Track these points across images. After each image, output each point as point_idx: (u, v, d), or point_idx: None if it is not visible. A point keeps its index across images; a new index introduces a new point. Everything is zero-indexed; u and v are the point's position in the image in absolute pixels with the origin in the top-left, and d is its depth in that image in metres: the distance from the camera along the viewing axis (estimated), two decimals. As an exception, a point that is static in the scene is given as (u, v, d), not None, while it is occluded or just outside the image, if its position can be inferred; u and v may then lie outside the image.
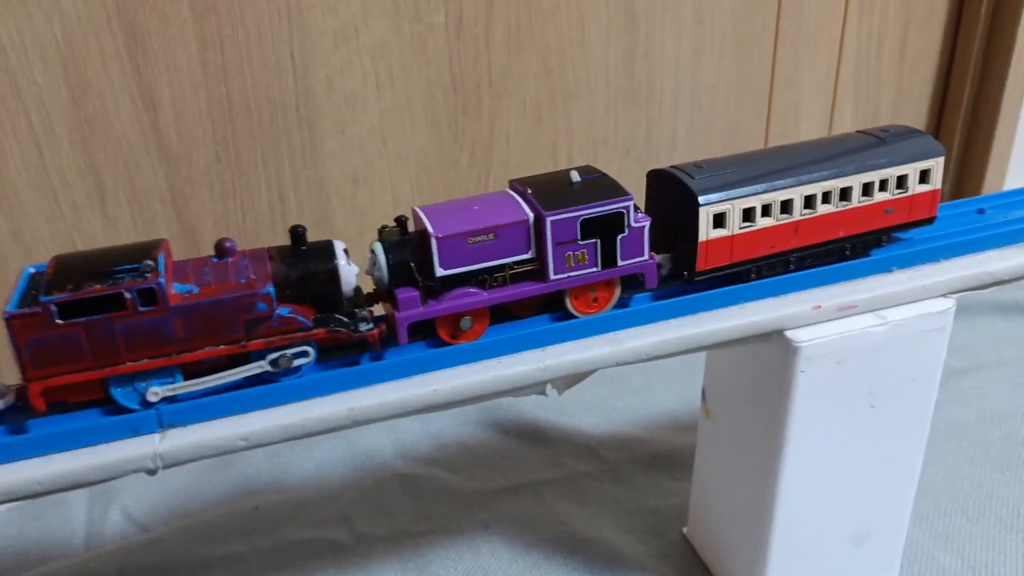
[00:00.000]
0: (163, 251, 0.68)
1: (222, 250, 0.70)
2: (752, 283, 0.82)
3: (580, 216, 0.73)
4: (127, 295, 0.64)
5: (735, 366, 0.91)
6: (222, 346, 0.68)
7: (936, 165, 0.85)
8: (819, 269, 0.83)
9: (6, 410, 0.68)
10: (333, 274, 0.70)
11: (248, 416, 0.71)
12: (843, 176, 0.81)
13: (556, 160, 1.44)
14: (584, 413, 1.30)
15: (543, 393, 0.78)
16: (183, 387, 0.68)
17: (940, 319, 0.84)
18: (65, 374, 0.65)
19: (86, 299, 0.63)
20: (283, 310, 0.68)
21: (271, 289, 0.67)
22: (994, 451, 1.19)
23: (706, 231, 0.78)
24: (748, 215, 0.79)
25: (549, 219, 0.72)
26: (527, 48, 1.35)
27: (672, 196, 0.80)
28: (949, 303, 0.85)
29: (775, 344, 0.82)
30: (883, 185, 0.83)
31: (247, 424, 0.70)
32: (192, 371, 0.69)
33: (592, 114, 1.44)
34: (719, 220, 0.78)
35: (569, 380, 0.79)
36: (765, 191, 0.79)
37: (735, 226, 0.79)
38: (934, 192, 0.86)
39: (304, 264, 0.70)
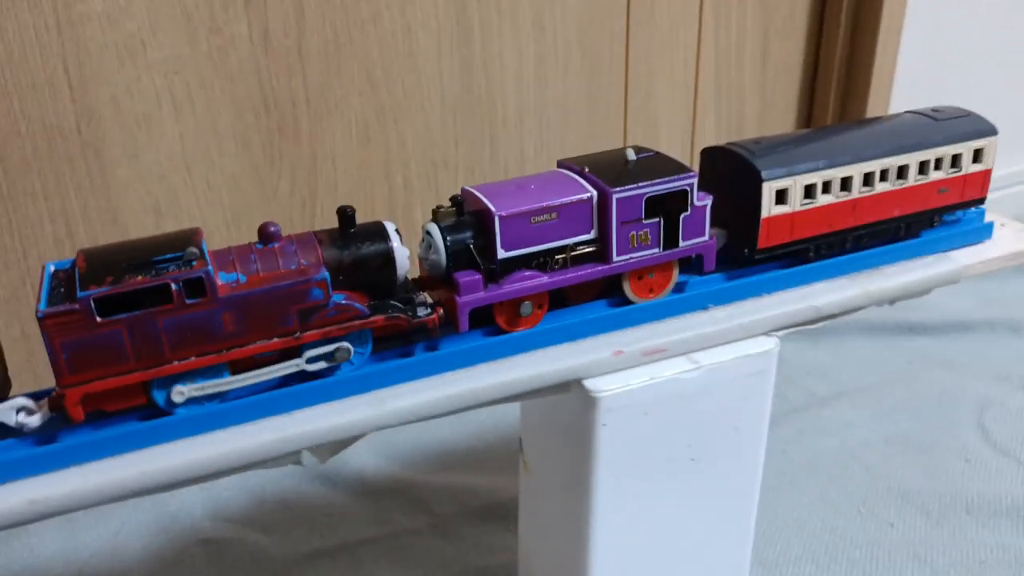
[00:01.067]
0: (202, 240, 0.62)
1: (267, 235, 0.64)
2: (832, 260, 0.81)
3: (646, 193, 0.70)
4: (173, 286, 0.58)
5: (544, 416, 0.82)
6: (275, 339, 0.63)
7: (989, 144, 0.84)
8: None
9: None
10: (388, 257, 0.66)
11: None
12: (901, 153, 0.80)
13: (391, 184, 1.33)
14: (420, 460, 1.19)
15: (299, 463, 0.67)
16: (221, 384, 0.62)
17: (762, 361, 0.76)
18: (106, 378, 0.59)
19: (128, 292, 0.58)
20: (338, 297, 0.64)
21: (326, 274, 0.63)
22: (852, 486, 1.12)
23: (768, 207, 0.76)
24: (809, 192, 0.78)
25: (615, 196, 0.69)
26: (348, 61, 1.23)
27: (730, 173, 0.78)
28: (772, 343, 0.76)
29: (575, 395, 0.72)
30: (938, 164, 0.82)
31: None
32: (240, 369, 0.63)
33: (428, 132, 1.33)
34: (781, 196, 0.76)
35: (332, 446, 0.68)
36: (826, 167, 0.78)
37: (797, 202, 0.77)
38: (986, 172, 0.85)
39: (357, 247, 0.66)
